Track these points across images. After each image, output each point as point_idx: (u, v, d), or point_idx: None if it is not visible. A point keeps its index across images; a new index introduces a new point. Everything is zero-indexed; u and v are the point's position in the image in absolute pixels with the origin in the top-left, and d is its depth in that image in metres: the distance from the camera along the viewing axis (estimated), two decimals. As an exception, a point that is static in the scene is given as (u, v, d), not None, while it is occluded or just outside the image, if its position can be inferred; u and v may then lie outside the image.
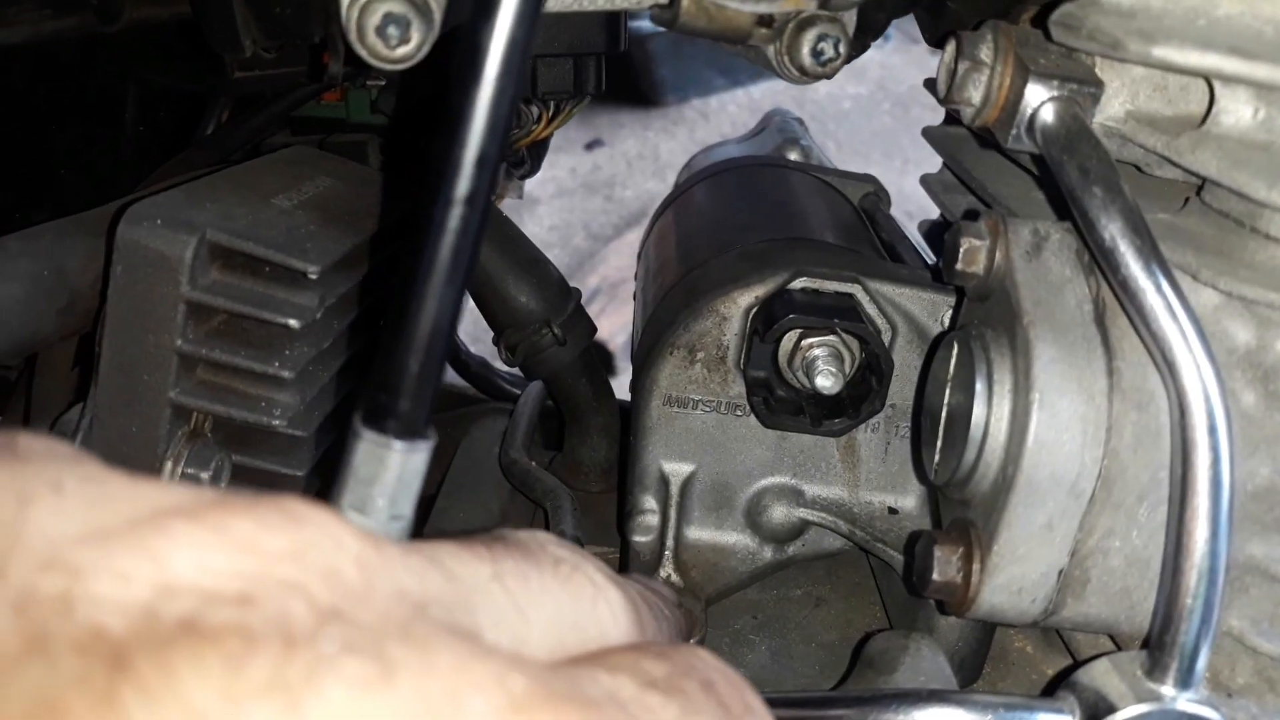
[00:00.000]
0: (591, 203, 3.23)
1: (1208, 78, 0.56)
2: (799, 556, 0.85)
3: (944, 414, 0.64)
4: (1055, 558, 0.58)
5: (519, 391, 1.14)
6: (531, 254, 0.98)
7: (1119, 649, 0.64)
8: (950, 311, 0.77)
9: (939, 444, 0.64)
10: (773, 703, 0.60)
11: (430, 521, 0.99)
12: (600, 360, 1.04)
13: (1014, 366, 0.58)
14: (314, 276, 0.67)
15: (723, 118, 3.66)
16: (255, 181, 0.75)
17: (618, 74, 1.40)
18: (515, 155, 1.09)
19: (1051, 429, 0.56)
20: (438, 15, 0.59)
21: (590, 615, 0.36)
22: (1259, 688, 0.62)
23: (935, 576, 0.61)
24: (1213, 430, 0.52)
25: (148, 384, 0.67)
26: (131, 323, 0.66)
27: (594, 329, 1.01)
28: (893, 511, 0.83)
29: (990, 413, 0.59)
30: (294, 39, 0.64)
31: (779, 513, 0.83)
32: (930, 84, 0.99)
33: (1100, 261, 0.55)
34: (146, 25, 0.63)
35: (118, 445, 0.68)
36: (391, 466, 0.45)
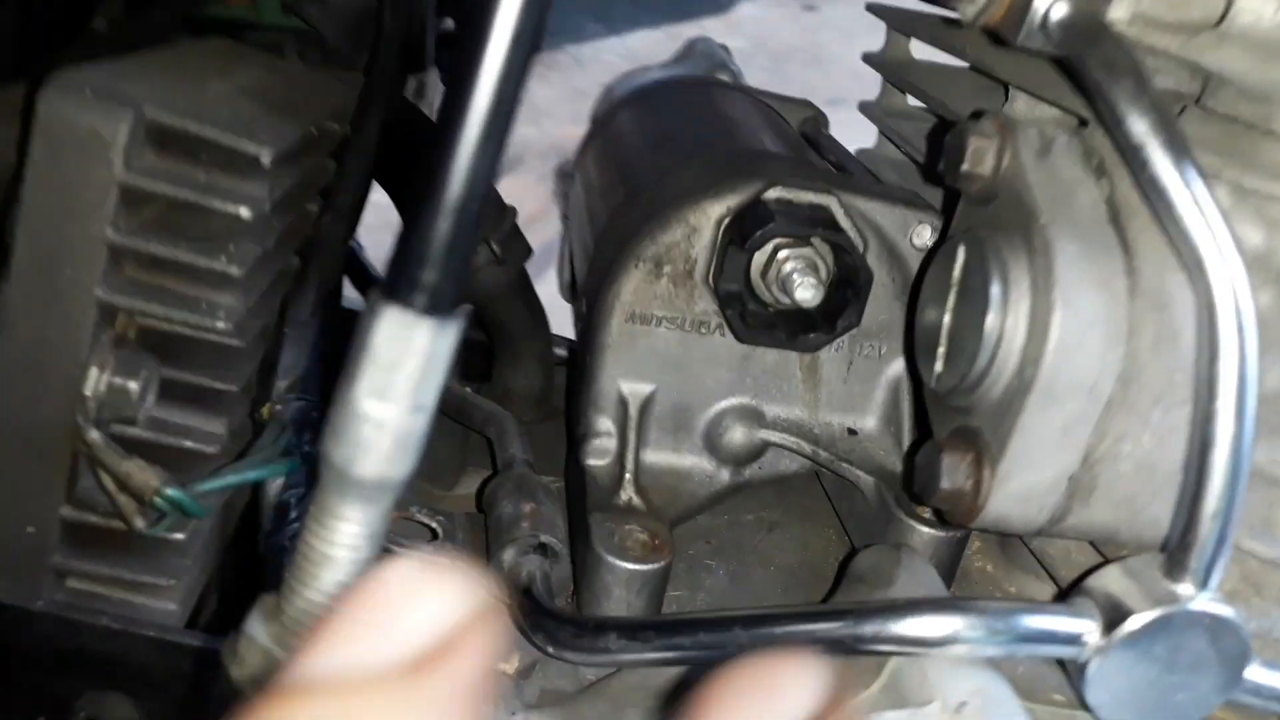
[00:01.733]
0: (463, 149, 3.10)
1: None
2: (755, 479, 0.82)
3: (947, 320, 0.62)
4: (1068, 463, 0.57)
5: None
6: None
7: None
8: (920, 228, 0.76)
9: (941, 351, 0.62)
10: (787, 617, 0.58)
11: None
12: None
13: (1031, 266, 0.57)
14: (267, 163, 0.60)
15: (598, 66, 3.59)
16: (185, 63, 0.67)
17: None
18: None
19: (1074, 329, 0.55)
20: None
21: None
22: (1245, 592, 0.63)
23: (944, 485, 0.59)
24: (1241, 329, 0.52)
25: (70, 280, 0.59)
26: (53, 210, 0.58)
27: (530, 249, 0.96)
28: (852, 432, 0.81)
29: (1005, 316, 0.57)
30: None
31: (739, 434, 0.80)
32: (876, 10, 0.97)
33: (1127, 157, 0.54)
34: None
35: (33, 350, 0.59)
36: (419, 346, 0.39)
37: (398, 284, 0.39)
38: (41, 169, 0.57)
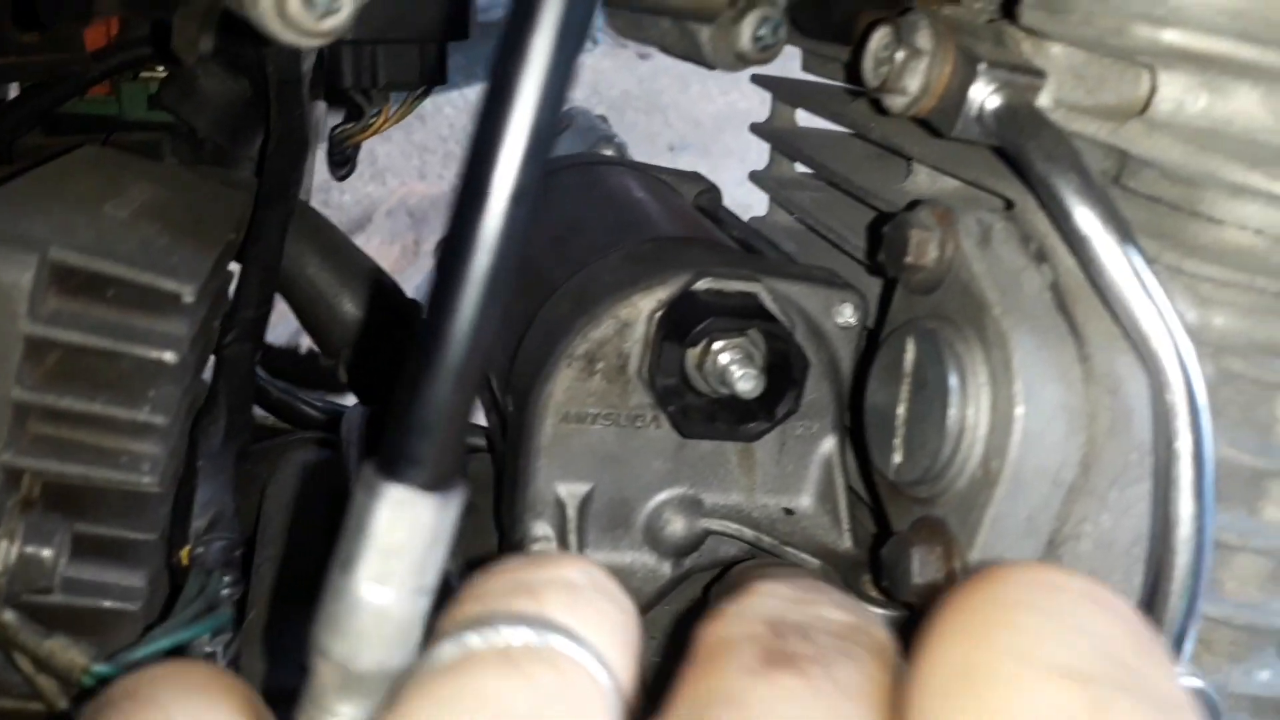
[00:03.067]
0: (304, 211, 3.03)
1: (1153, 66, 0.57)
2: (696, 568, 0.81)
3: (901, 412, 0.62)
4: (1034, 548, 0.58)
5: (329, 416, 1.03)
6: (362, 261, 0.89)
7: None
8: (842, 306, 0.76)
9: (898, 443, 0.62)
10: None
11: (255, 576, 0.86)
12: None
13: (988, 359, 0.57)
14: (190, 300, 0.55)
15: (440, 120, 3.54)
16: (72, 187, 0.62)
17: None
18: (343, 153, 0.97)
19: (1037, 420, 0.56)
20: (364, -17, 0.50)
21: None
22: (1196, 650, 0.65)
23: (916, 579, 0.59)
24: (1194, 410, 0.54)
25: (-28, 444, 0.53)
26: (-51, 368, 0.52)
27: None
28: (789, 512, 0.81)
29: (966, 409, 0.58)
30: (158, 15, 0.53)
31: (679, 525, 0.78)
32: (762, 81, 0.98)
33: (1074, 245, 0.55)
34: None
35: (-69, 525, 0.53)
36: (423, 527, 0.36)
37: (396, 460, 0.36)
38: (-67, 325, 0.51)
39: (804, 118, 0.97)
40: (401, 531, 0.35)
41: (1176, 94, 0.57)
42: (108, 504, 0.59)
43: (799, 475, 0.81)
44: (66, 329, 0.53)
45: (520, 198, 0.36)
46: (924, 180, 0.77)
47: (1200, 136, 0.57)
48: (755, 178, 1.03)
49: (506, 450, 0.80)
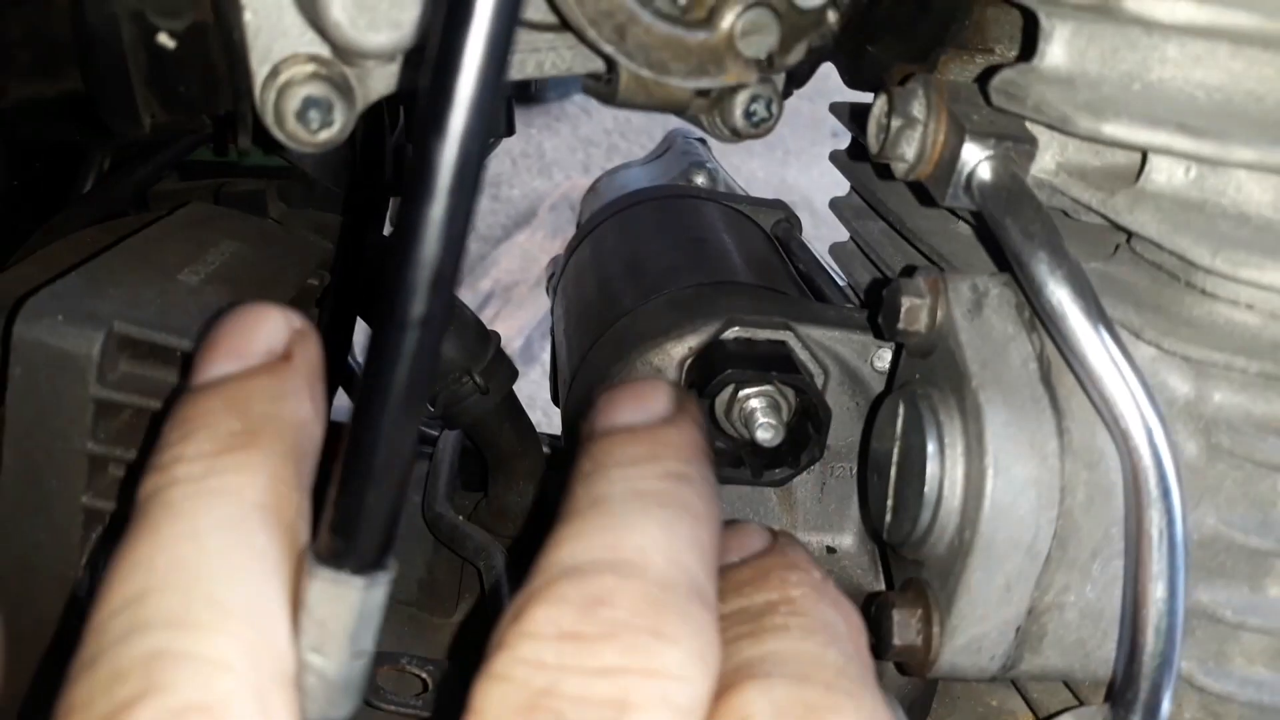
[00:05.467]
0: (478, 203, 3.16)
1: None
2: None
3: (893, 474, 0.64)
4: (1013, 616, 0.59)
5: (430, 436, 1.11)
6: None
7: (1072, 693, 0.65)
8: (880, 351, 0.77)
9: (889, 503, 0.64)
10: None
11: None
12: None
13: (965, 430, 0.58)
14: (233, 365, 0.63)
15: (605, 114, 3.63)
16: (156, 255, 0.71)
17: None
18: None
19: (1007, 494, 0.56)
20: (359, 93, 0.56)
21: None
22: (1205, 723, 0.64)
23: (896, 641, 0.61)
24: (1165, 494, 0.53)
25: (57, 490, 0.62)
26: (35, 427, 0.61)
27: (515, 373, 0.99)
28: (831, 551, 0.83)
29: (944, 476, 0.59)
30: (198, 113, 0.60)
31: (720, 560, 0.82)
32: (837, 110, 0.99)
33: (1046, 323, 0.56)
34: (31, 101, 0.59)
35: (28, 556, 0.63)
36: (352, 605, 0.42)
37: (329, 548, 0.41)
38: (20, 389, 0.61)
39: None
40: (332, 607, 0.41)
41: (1167, 165, 0.56)
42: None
43: (841, 514, 0.83)
44: (130, 393, 0.61)
45: (427, 322, 0.40)
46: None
47: (1189, 210, 0.55)
48: (834, 205, 1.04)
49: (559, 480, 0.85)
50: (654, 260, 0.92)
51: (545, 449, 1.07)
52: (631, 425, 0.42)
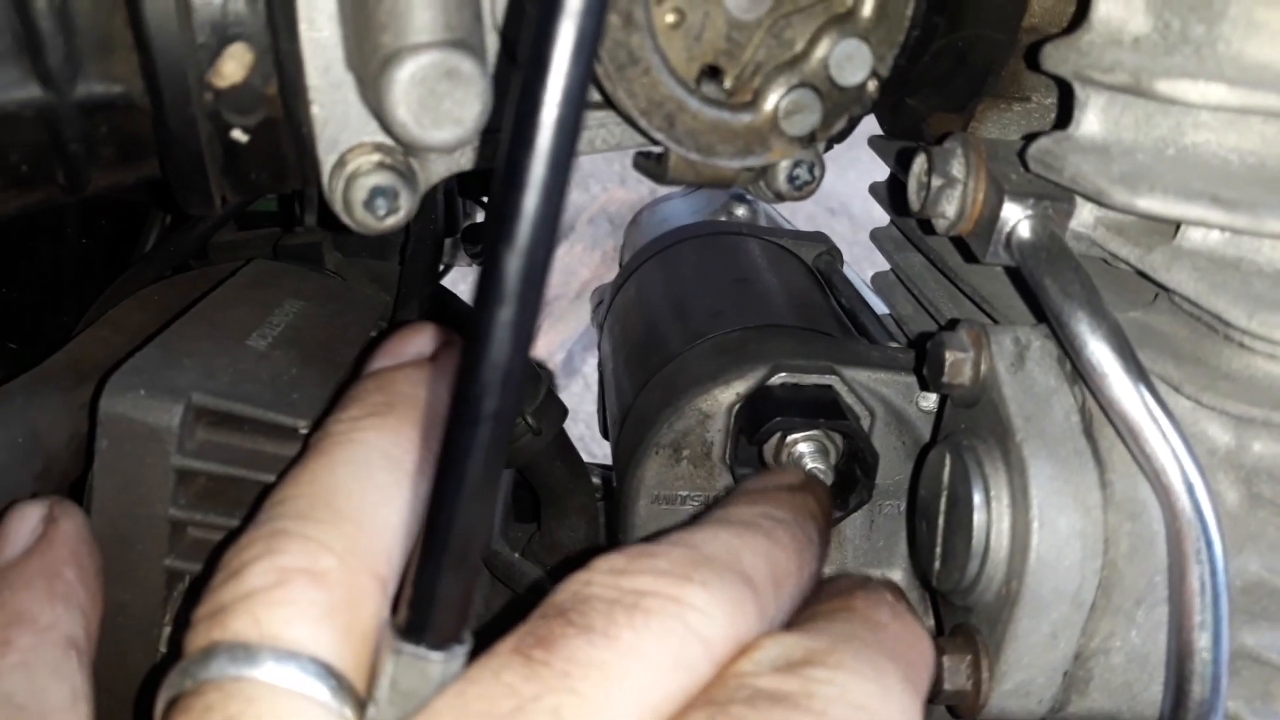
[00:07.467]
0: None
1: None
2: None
3: (941, 523, 0.66)
4: (1060, 662, 0.61)
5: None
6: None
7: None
8: (925, 392, 0.79)
9: (938, 551, 0.66)
10: None
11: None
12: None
13: (1010, 482, 0.60)
14: (304, 431, 0.66)
15: (641, 123, 3.66)
16: (225, 320, 0.74)
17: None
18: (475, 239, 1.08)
19: (1052, 546, 0.58)
20: (422, 178, 0.59)
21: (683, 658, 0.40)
22: (1253, 761, 0.65)
23: (946, 686, 0.63)
24: (1208, 546, 0.55)
25: (141, 554, 0.66)
26: (120, 495, 0.65)
27: (565, 412, 1.01)
28: (880, 584, 0.85)
29: (990, 527, 0.61)
30: (267, 194, 0.63)
31: (771, 597, 0.84)
32: (876, 145, 1.00)
33: (1085, 379, 0.57)
34: (112, 188, 0.62)
35: (113, 616, 0.66)
36: (431, 677, 0.45)
37: (411, 625, 0.44)
38: (107, 461, 0.64)
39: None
40: (414, 681, 0.44)
41: (1200, 228, 0.58)
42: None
43: (890, 550, 0.84)
44: (208, 460, 0.65)
45: (499, 416, 0.43)
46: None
47: (1224, 269, 0.57)
48: (874, 237, 1.05)
49: (610, 523, 0.88)
50: (699, 302, 0.95)
51: (595, 479, 1.10)
52: (748, 489, 0.53)
